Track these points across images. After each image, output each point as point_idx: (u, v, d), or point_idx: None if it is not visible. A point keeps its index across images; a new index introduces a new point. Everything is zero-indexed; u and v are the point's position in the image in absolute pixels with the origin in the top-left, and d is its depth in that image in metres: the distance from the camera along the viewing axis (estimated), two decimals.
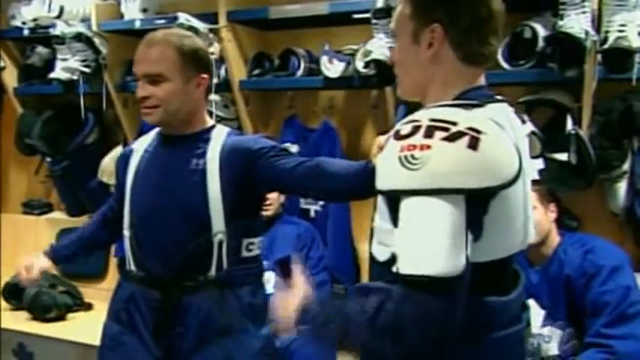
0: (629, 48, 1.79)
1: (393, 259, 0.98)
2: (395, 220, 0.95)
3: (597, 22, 1.86)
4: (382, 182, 0.97)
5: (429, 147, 0.90)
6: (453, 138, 0.90)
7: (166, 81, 1.52)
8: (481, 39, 1.02)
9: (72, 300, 2.88)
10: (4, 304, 2.88)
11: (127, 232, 1.61)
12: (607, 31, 1.81)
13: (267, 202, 2.36)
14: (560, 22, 1.84)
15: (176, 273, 1.53)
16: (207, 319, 1.52)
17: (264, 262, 2.30)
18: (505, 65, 2.10)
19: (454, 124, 0.91)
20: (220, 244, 1.52)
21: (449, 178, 0.89)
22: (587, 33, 1.82)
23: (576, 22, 1.81)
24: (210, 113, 2.56)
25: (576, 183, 2.04)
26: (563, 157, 2.01)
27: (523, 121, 1.18)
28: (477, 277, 0.92)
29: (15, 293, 2.85)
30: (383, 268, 1.02)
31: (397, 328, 0.89)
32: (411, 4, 1.04)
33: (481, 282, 0.95)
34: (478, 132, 0.90)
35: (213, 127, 1.63)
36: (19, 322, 2.80)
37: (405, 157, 0.91)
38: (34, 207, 3.34)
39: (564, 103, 2.05)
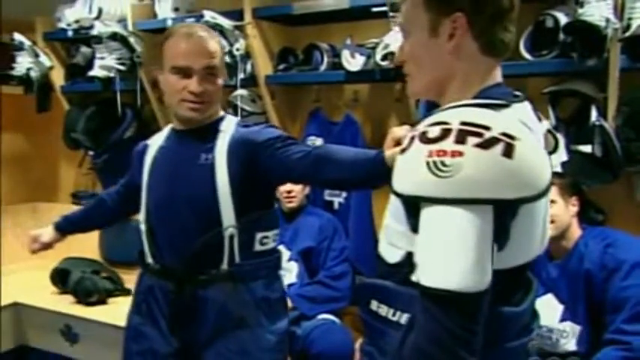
0: None
1: (404, 263, 0.94)
2: (413, 224, 0.88)
3: (620, 9, 1.76)
4: (404, 186, 0.89)
5: (461, 154, 0.81)
6: (487, 145, 0.81)
7: (218, 76, 1.50)
8: (505, 27, 0.94)
9: (113, 285, 2.93)
10: (51, 287, 2.96)
11: (142, 226, 1.59)
12: (630, 19, 1.71)
13: (292, 195, 2.38)
14: (580, 10, 1.74)
15: (189, 267, 1.50)
16: (221, 313, 1.49)
17: (288, 252, 2.34)
18: (527, 56, 2.02)
19: (487, 128, 0.83)
20: (232, 238, 1.48)
21: (481, 188, 0.81)
22: (607, 21, 1.71)
23: (597, 10, 1.71)
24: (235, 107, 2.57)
25: (602, 176, 1.93)
26: (587, 149, 1.92)
27: (539, 119, 1.09)
28: (495, 286, 0.85)
29: (61, 278, 2.93)
30: (391, 269, 0.98)
31: (425, 352, 0.83)
32: None
33: (499, 291, 0.87)
34: (512, 138, 0.82)
35: (222, 117, 1.58)
36: (65, 305, 2.86)
37: (434, 163, 0.82)
38: (81, 197, 3.40)
39: (589, 94, 1.95)
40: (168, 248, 1.54)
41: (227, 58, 2.48)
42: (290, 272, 2.31)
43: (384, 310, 0.96)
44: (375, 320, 0.98)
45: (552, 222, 1.71)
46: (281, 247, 2.34)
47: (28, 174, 3.59)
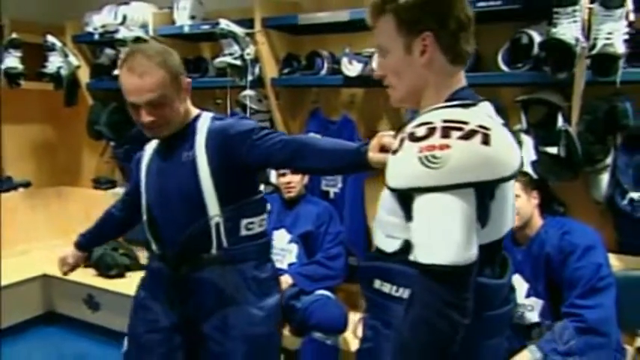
0: (614, 54, 1.72)
1: (402, 249, 0.97)
2: (408, 215, 0.92)
3: (587, 30, 1.79)
4: (399, 181, 0.92)
5: (448, 146, 0.86)
6: (468, 136, 0.87)
7: (165, 104, 1.41)
8: (466, 39, 1.00)
9: (130, 261, 2.96)
10: None
11: (144, 217, 1.59)
12: (595, 39, 1.74)
13: (291, 185, 2.37)
14: (554, 30, 1.77)
15: (183, 252, 1.50)
16: (214, 292, 1.50)
17: (289, 236, 2.37)
18: (505, 68, 2.06)
19: (466, 123, 0.88)
20: (218, 226, 1.47)
21: (466, 174, 0.86)
22: (577, 40, 1.75)
23: (568, 30, 1.74)
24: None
25: (565, 174, 1.99)
26: (553, 150, 1.97)
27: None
28: (480, 259, 0.90)
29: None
30: (389, 256, 1.01)
31: (425, 319, 0.87)
32: (396, 20, 0.99)
33: (481, 263, 0.92)
34: (487, 129, 0.88)
35: (198, 116, 1.53)
36: (88, 277, 2.90)
37: (426, 157, 0.87)
38: (102, 183, 3.44)
39: (556, 103, 1.99)
40: (165, 237, 1.55)
41: (238, 62, 2.51)
42: (290, 253, 2.33)
43: (387, 288, 1.00)
44: (378, 297, 1.02)
45: (517, 214, 1.76)
46: (282, 231, 2.39)
47: (55, 161, 3.61)
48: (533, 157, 2.02)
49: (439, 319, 0.86)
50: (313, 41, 2.59)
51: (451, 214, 0.86)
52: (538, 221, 1.81)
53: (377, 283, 1.02)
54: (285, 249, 2.36)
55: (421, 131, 0.89)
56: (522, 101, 2.06)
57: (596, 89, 1.89)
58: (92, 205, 3.47)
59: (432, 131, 0.88)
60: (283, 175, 2.37)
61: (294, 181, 2.37)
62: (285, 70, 2.53)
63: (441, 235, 0.86)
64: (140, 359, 1.58)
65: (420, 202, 0.89)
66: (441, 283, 0.86)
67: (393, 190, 0.94)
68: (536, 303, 1.75)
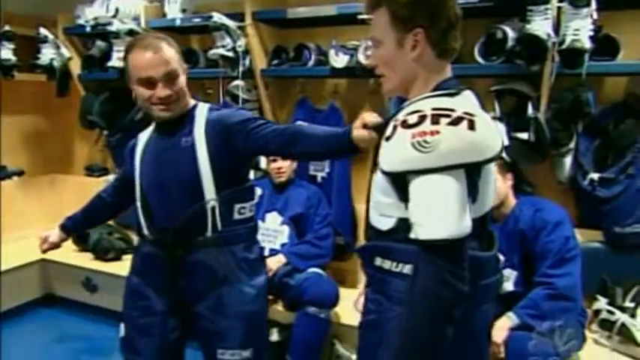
0: (581, 48, 1.79)
1: (396, 227, 1.00)
2: (401, 195, 0.95)
3: (557, 27, 1.85)
4: (393, 165, 0.95)
5: (438, 132, 0.89)
6: (455, 122, 0.90)
7: (178, 77, 1.44)
8: (455, 37, 1.03)
9: (125, 244, 2.93)
10: (73, 246, 2.95)
11: (138, 203, 1.56)
12: (564, 35, 1.80)
13: (282, 170, 2.37)
14: (528, 26, 1.83)
15: (179, 235, 1.48)
16: (208, 272, 1.50)
17: (280, 218, 2.39)
18: (480, 60, 2.11)
19: (453, 110, 0.91)
20: (213, 209, 1.47)
21: (456, 156, 0.89)
22: (548, 35, 1.81)
23: (540, 26, 1.80)
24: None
25: (534, 157, 2.07)
26: (524, 136, 2.04)
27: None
28: (473, 232, 0.93)
29: (81, 238, 2.91)
30: (384, 234, 1.04)
31: (431, 289, 0.90)
32: (391, 15, 1.01)
33: (475, 237, 0.96)
34: (472, 115, 0.91)
35: (195, 105, 1.54)
36: (85, 260, 2.88)
37: (418, 142, 0.89)
38: (94, 170, 3.38)
39: (526, 92, 2.05)
40: (161, 221, 1.52)
41: (230, 54, 2.49)
42: (282, 234, 2.35)
43: (387, 264, 1.03)
44: (380, 273, 1.05)
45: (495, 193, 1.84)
46: (274, 214, 2.40)
47: (48, 150, 3.52)
48: (506, 143, 2.09)
49: (443, 288, 0.89)
50: (301, 34, 2.59)
51: (444, 193, 0.89)
52: (512, 200, 1.87)
53: (378, 261, 1.05)
54: (277, 230, 2.38)
55: (413, 119, 0.92)
56: (496, 91, 2.12)
57: (563, 80, 1.95)
58: (85, 192, 3.32)
59: (422, 119, 0.91)
60: (274, 160, 2.38)
61: (284, 167, 2.38)
62: (274, 62, 2.53)
63: (437, 213, 0.90)
64: (137, 343, 1.56)
65: (415, 184, 0.92)
66: (441, 255, 0.89)
67: (388, 173, 0.97)
68: (511, 274, 1.82)
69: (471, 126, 0.89)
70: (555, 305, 1.65)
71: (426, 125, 0.90)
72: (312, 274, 2.22)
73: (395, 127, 0.95)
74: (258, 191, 2.48)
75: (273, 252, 2.32)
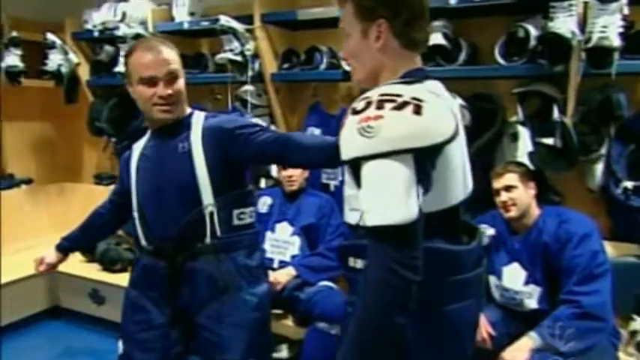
0: (609, 47, 1.74)
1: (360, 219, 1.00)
2: (359, 184, 0.96)
3: (582, 24, 1.80)
4: (346, 152, 0.97)
5: (381, 117, 0.91)
6: (400, 107, 0.91)
7: (178, 78, 1.51)
8: (420, 28, 1.06)
9: (133, 255, 2.93)
10: (80, 257, 2.99)
11: (135, 214, 1.59)
12: (591, 32, 1.75)
13: (292, 179, 2.37)
14: (550, 24, 1.78)
15: (177, 243, 1.51)
16: (208, 280, 1.51)
17: (291, 228, 2.38)
18: (501, 61, 2.07)
19: (399, 95, 0.93)
20: (211, 215, 1.49)
21: (400, 141, 0.90)
22: (573, 33, 1.77)
23: (564, 24, 1.75)
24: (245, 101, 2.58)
25: (561, 164, 2.01)
26: (549, 141, 1.99)
27: (454, 96, 1.21)
28: (431, 226, 0.95)
29: (89, 249, 2.93)
30: (355, 229, 1.05)
31: (379, 278, 0.90)
32: (355, 6, 1.05)
33: (435, 230, 0.98)
34: (420, 100, 0.93)
35: (192, 113, 1.59)
36: (93, 271, 2.91)
37: (363, 128, 0.92)
38: (103, 178, 3.43)
39: (552, 95, 2.01)
40: (159, 229, 1.54)
41: (239, 58, 2.50)
42: (293, 245, 2.34)
43: (359, 264, 1.04)
44: (353, 274, 1.06)
45: (514, 205, 1.80)
46: (285, 224, 2.40)
47: (56, 158, 3.59)
48: (530, 148, 2.04)
49: (391, 276, 0.89)
50: (312, 36, 2.58)
51: (388, 178, 0.91)
52: (535, 211, 1.83)
53: (351, 261, 1.06)
54: (287, 241, 2.37)
55: (360, 105, 0.95)
56: (519, 93, 2.07)
57: (591, 81, 1.90)
58: (94, 201, 3.38)
59: (368, 104, 0.93)
60: (285, 168, 2.38)
61: (295, 175, 2.37)
62: (285, 66, 2.54)
63: (381, 198, 0.91)
64: (137, 358, 1.58)
65: (364, 170, 0.94)
66: (387, 242, 0.90)
67: (344, 162, 0.99)
68: (535, 290, 1.77)
69: (417, 111, 0.91)
70: (582, 325, 1.59)
71: (371, 110, 0.92)
72: (322, 288, 2.20)
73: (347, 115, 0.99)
74: (268, 201, 2.49)
75: (283, 264, 2.31)
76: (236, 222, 1.54)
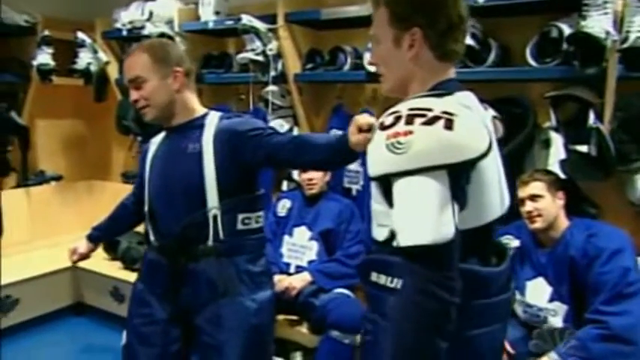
0: None
1: (391, 237, 0.98)
2: (389, 201, 0.95)
3: (620, 23, 1.72)
4: (374, 169, 0.97)
5: (411, 132, 0.90)
6: (430, 122, 0.90)
7: (144, 83, 1.53)
8: (455, 39, 1.03)
9: None
10: (103, 254, 3.09)
11: (146, 208, 1.64)
12: (628, 32, 1.68)
13: (313, 182, 2.38)
14: (582, 23, 1.71)
15: (180, 243, 1.54)
16: (208, 283, 1.53)
17: (309, 233, 2.37)
18: (533, 63, 2.00)
19: (430, 110, 0.91)
20: (215, 218, 1.51)
21: (432, 157, 0.89)
22: (607, 33, 1.68)
23: (597, 23, 1.68)
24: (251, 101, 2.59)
25: (595, 174, 1.92)
26: (584, 149, 1.91)
27: (485, 108, 1.17)
28: (465, 245, 0.92)
29: (111, 247, 3.05)
30: (382, 246, 1.02)
31: (413, 301, 0.89)
32: (389, 12, 1.03)
33: (467, 249, 0.94)
34: (451, 114, 0.91)
35: (206, 114, 1.61)
36: (114, 269, 3.00)
37: (392, 144, 0.91)
38: (130, 177, 3.50)
39: (587, 99, 1.92)
40: (164, 227, 1.59)
41: (260, 58, 2.53)
42: (310, 250, 2.34)
43: (382, 280, 1.01)
44: (375, 289, 1.03)
45: (540, 215, 1.74)
46: (303, 228, 2.40)
47: (86, 155, 3.73)
48: (563, 156, 1.97)
49: (426, 299, 0.87)
50: (336, 36, 2.59)
51: (422, 196, 0.89)
52: (563, 223, 1.76)
53: (374, 276, 1.04)
54: (305, 246, 2.37)
55: (389, 120, 0.94)
56: (552, 97, 2.00)
57: (630, 85, 1.82)
58: (120, 198, 3.59)
59: (397, 119, 0.93)
60: (305, 171, 2.38)
61: (315, 178, 2.37)
62: (308, 66, 2.54)
63: (415, 217, 0.89)
64: (139, 352, 1.61)
65: (395, 188, 0.92)
66: (422, 263, 0.88)
67: (372, 178, 0.98)
68: (560, 308, 1.71)
69: (449, 125, 0.90)
70: (608, 348, 1.52)
71: (400, 126, 0.92)
72: (338, 295, 2.19)
73: (374, 129, 0.98)
74: (288, 204, 2.50)
75: (300, 269, 2.31)
76: (240, 226, 1.55)
